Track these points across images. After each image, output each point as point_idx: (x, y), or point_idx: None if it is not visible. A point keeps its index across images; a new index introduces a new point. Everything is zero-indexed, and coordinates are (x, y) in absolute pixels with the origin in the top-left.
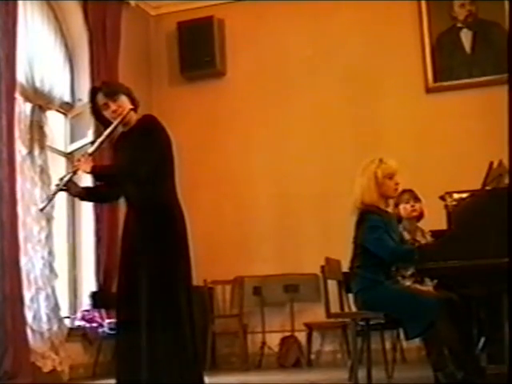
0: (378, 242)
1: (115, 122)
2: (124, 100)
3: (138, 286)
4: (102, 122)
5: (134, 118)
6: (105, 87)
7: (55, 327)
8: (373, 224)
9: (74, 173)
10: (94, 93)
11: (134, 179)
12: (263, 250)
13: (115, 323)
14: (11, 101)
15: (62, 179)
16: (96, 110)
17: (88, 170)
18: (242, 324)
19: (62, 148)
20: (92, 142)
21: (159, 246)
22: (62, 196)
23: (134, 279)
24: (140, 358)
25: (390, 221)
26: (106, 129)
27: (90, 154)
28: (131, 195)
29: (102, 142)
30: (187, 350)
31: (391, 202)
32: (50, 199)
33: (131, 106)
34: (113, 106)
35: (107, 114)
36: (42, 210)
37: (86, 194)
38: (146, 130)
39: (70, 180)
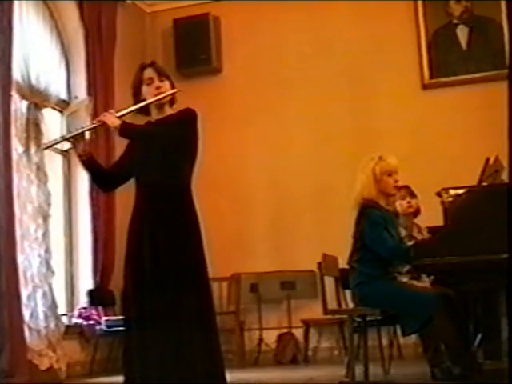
0: (377, 239)
1: (154, 98)
2: (167, 84)
3: (156, 279)
4: (136, 99)
5: (169, 110)
6: (157, 65)
7: (52, 325)
8: (373, 219)
9: (94, 127)
10: (143, 67)
11: (164, 141)
12: (260, 247)
13: (125, 319)
14: (7, 98)
15: (77, 129)
16: (137, 85)
17: (117, 123)
18: (238, 321)
19: (58, 146)
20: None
21: (181, 235)
22: (59, 194)
23: (151, 272)
24: (157, 355)
25: (389, 217)
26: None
27: (118, 117)
28: (149, 176)
29: (132, 111)
30: (213, 346)
31: (391, 201)
32: (55, 143)
33: (175, 90)
34: (157, 83)
35: (147, 89)
36: (44, 149)
37: (89, 160)
38: (184, 115)
39: (83, 135)
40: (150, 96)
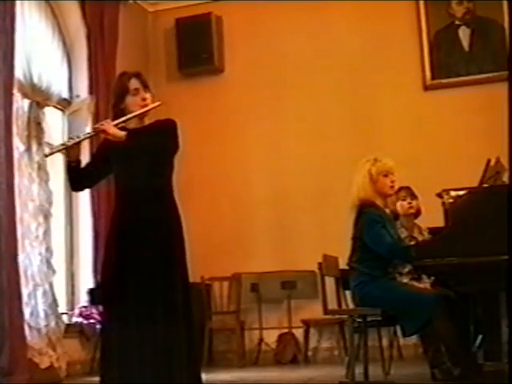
0: (376, 237)
1: (143, 109)
2: (150, 95)
3: (135, 279)
4: (116, 108)
5: (146, 120)
6: (142, 75)
7: (52, 323)
8: (371, 218)
9: (92, 136)
10: (129, 76)
11: (162, 148)
12: (261, 247)
13: (105, 319)
14: (9, 97)
15: (78, 137)
16: (121, 94)
17: (121, 133)
18: (239, 320)
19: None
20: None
21: (163, 236)
22: (60, 193)
23: (132, 273)
24: (133, 356)
25: (387, 217)
26: (114, 119)
27: (115, 125)
28: (132, 179)
29: (128, 119)
30: (187, 348)
31: (390, 202)
32: (58, 150)
33: (159, 102)
34: (143, 94)
35: (133, 100)
36: (47, 156)
37: (77, 166)
38: (167, 123)
39: (80, 142)
40: (134, 106)
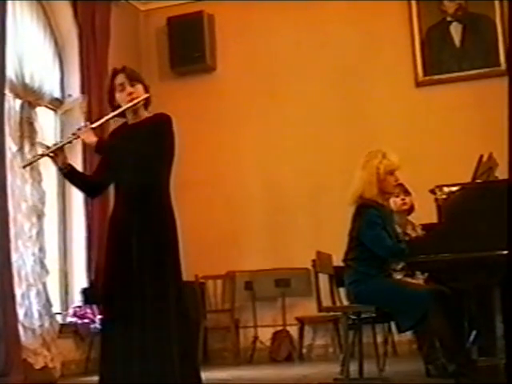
0: (375, 239)
1: (128, 105)
2: (140, 88)
3: (133, 281)
4: (111, 105)
5: (144, 113)
6: (128, 69)
7: (47, 324)
8: (371, 219)
9: (70, 141)
10: (115, 73)
11: (140, 158)
12: (254, 245)
13: (104, 319)
14: (1, 97)
15: (55, 144)
16: (110, 92)
17: (93, 140)
18: (233, 319)
19: (52, 144)
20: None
21: (156, 240)
22: (53, 193)
23: (129, 273)
24: (132, 356)
25: (386, 216)
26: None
27: (93, 128)
28: (127, 181)
29: (107, 120)
30: (184, 347)
31: (387, 197)
32: (36, 160)
33: (147, 95)
34: (129, 89)
35: (120, 95)
36: (24, 167)
37: (70, 172)
38: (160, 122)
39: (62, 148)
40: (123, 102)
